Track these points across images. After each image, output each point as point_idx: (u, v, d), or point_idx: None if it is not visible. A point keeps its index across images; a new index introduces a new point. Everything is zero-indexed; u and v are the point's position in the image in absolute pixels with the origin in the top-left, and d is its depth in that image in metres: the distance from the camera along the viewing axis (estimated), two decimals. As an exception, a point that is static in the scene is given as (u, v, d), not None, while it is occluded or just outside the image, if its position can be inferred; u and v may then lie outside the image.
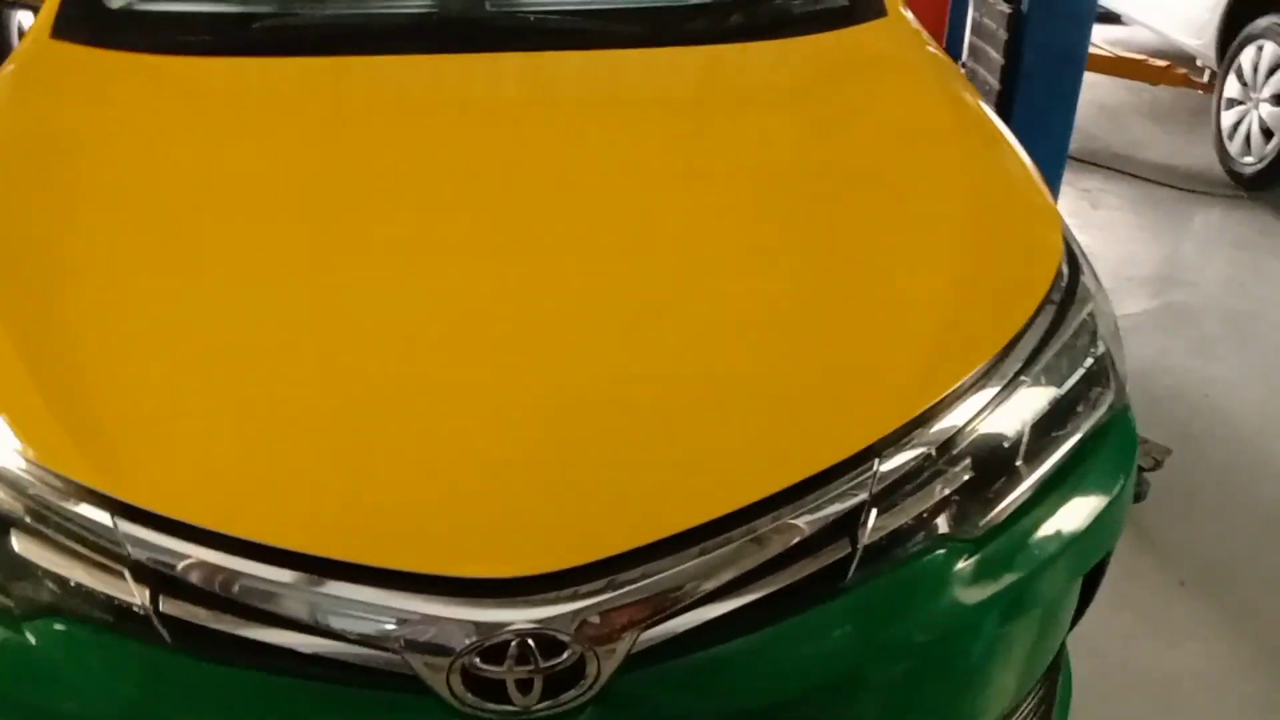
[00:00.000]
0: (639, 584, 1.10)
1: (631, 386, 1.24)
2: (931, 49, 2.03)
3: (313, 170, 1.59)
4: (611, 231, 1.48)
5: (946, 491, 1.23)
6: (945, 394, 1.24)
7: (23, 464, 1.17)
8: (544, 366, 1.25)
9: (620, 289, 1.38)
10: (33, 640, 1.14)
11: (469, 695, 1.09)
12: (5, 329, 1.29)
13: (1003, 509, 1.26)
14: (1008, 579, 1.25)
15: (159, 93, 1.80)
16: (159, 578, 1.11)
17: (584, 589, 1.09)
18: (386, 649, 1.08)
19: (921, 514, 1.22)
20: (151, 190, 1.55)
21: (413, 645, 1.08)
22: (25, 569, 1.16)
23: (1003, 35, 3.25)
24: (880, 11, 2.03)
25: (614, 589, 1.09)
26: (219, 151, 1.63)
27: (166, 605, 1.11)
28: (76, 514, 1.14)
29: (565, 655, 1.08)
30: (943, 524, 1.23)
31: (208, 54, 1.88)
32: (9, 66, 1.87)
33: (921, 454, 1.21)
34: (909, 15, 2.09)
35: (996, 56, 3.31)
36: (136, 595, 1.11)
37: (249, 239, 1.44)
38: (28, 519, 1.16)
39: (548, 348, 1.28)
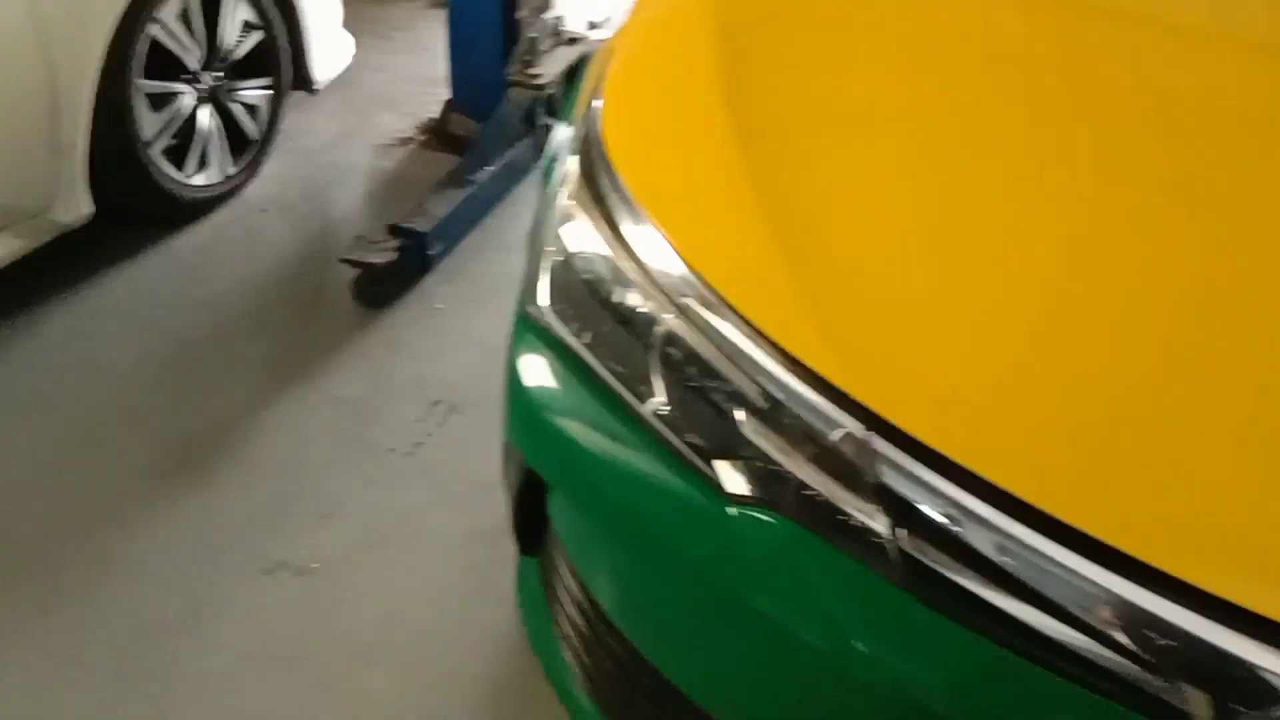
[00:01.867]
0: None
1: None
2: None
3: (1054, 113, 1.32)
4: None
5: None
6: None
7: (767, 349, 1.06)
8: None
9: None
10: (737, 524, 1.06)
11: None
12: (760, 209, 1.18)
13: None
14: None
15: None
16: (903, 508, 0.98)
17: None
18: (1157, 671, 0.89)
19: None
20: (903, 81, 1.35)
21: (1196, 677, 0.88)
22: (748, 452, 1.06)
23: None
24: None
25: None
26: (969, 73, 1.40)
27: (907, 540, 0.97)
28: (822, 412, 1.02)
29: None
30: None
31: None
32: None
33: None
34: None
35: None
36: (877, 521, 0.99)
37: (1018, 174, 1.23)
38: (762, 403, 1.06)
39: None
